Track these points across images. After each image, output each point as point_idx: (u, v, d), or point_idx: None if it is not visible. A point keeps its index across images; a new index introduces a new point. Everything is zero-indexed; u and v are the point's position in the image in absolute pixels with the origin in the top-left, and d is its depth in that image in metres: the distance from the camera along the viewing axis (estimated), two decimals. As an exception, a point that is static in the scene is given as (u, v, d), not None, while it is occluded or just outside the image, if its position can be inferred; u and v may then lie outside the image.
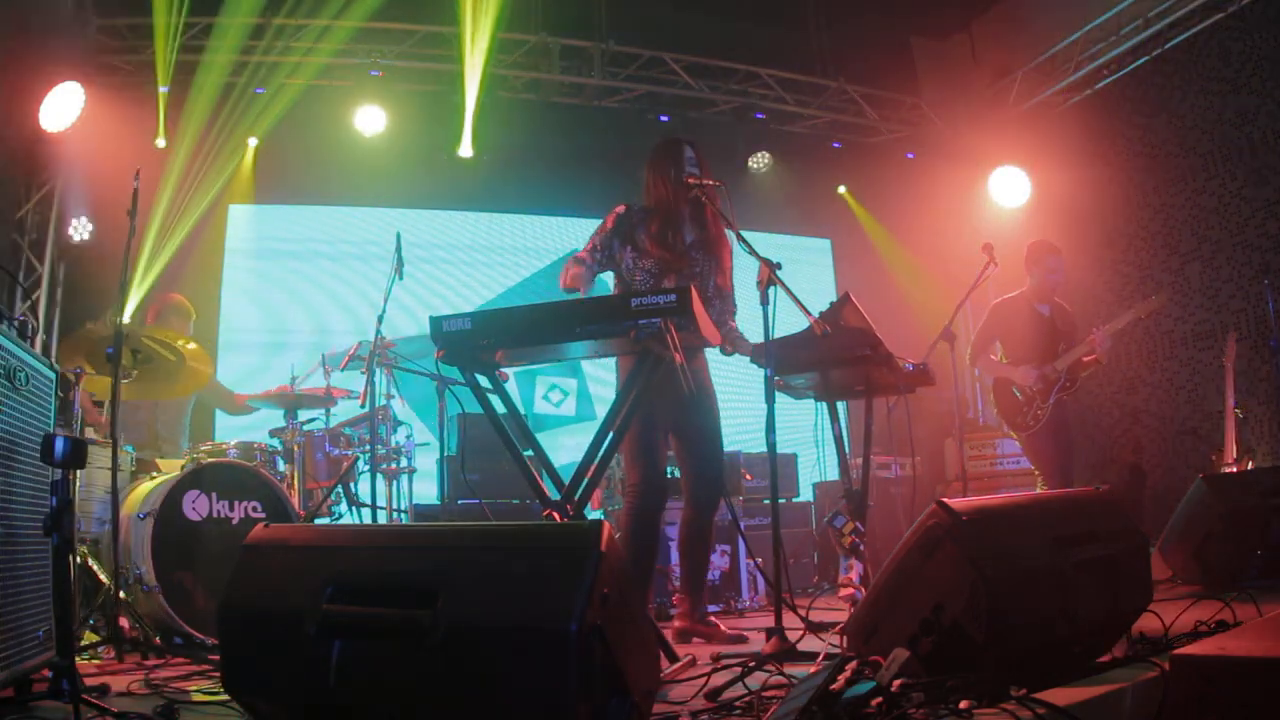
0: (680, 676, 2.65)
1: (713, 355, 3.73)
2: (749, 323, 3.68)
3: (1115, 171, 7.00)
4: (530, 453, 3.01)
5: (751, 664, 2.54)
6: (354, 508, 4.91)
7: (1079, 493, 2.84)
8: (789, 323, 3.36)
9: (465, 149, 6.95)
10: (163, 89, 6.16)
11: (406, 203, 7.31)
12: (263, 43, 6.40)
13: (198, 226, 6.37)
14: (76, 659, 2.31)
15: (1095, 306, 6.55)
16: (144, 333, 4.08)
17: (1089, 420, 6.94)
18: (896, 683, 1.93)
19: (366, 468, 4.76)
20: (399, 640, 1.71)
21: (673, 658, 2.88)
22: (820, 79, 7.72)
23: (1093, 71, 7.11)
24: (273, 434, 4.84)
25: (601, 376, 7.31)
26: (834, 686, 1.90)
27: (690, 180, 3.59)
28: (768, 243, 7.29)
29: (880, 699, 1.87)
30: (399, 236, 4.69)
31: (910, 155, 8.21)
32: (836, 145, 8.20)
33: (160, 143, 6.20)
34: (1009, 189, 7.49)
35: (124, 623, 3.33)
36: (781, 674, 2.43)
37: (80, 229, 6.13)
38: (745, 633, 3.74)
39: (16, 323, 2.74)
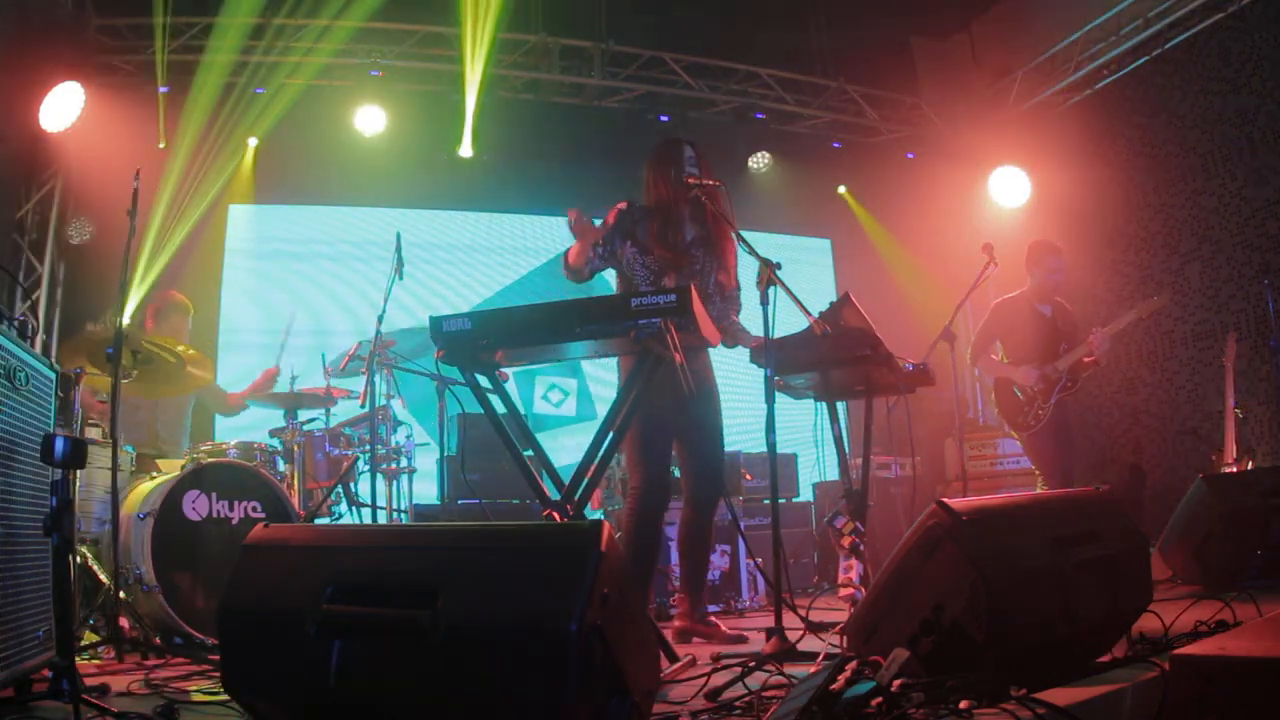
0: (680, 676, 2.65)
1: (715, 351, 3.73)
2: (749, 323, 3.68)
3: (1115, 171, 7.00)
4: (530, 453, 3.01)
5: (751, 664, 2.54)
6: (354, 508, 4.91)
7: (1079, 493, 2.83)
8: (789, 323, 3.36)
9: (465, 149, 6.95)
10: (162, 89, 6.16)
11: (406, 203, 7.31)
12: (263, 43, 6.39)
13: (198, 226, 6.37)
14: (76, 659, 2.31)
15: (1095, 306, 6.55)
16: (144, 338, 4.09)
17: (1089, 420, 6.94)
18: (896, 683, 1.93)
19: (366, 468, 4.76)
20: (399, 640, 1.71)
21: (673, 658, 2.88)
22: (820, 79, 7.72)
23: (1093, 71, 7.11)
24: (273, 434, 4.84)
25: (601, 376, 7.31)
26: (834, 686, 1.90)
27: (690, 180, 3.60)
28: (768, 243, 7.30)
29: (880, 699, 1.87)
30: (399, 236, 4.69)
31: (910, 155, 8.21)
32: (836, 145, 8.20)
33: (160, 145, 6.20)
34: (1009, 189, 7.49)
35: (124, 623, 3.34)
36: (781, 674, 2.43)
37: (80, 229, 6.13)
38: (745, 633, 3.73)
39: (16, 323, 2.73)
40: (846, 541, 3.59)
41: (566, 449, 6.61)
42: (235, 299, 6.80)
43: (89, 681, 2.41)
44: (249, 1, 6.16)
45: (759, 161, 7.87)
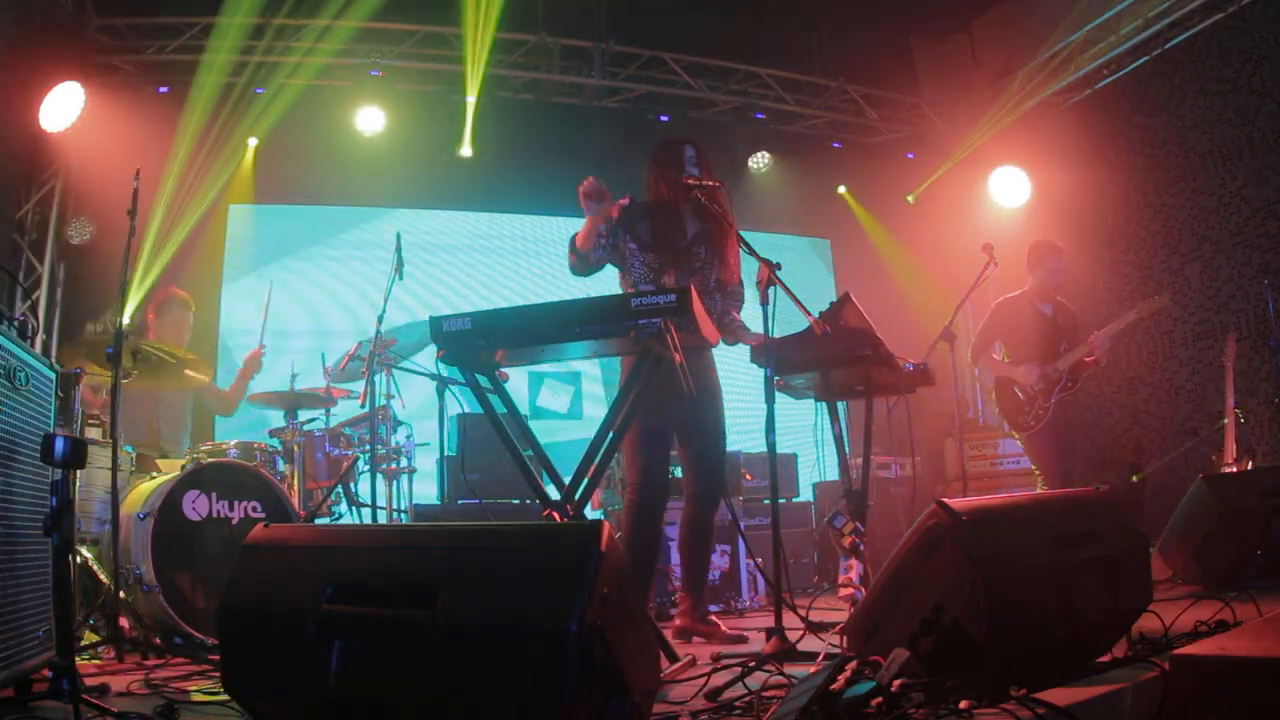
0: (680, 676, 2.65)
1: (715, 350, 3.73)
2: (749, 322, 3.69)
3: (1115, 171, 6.99)
4: (530, 452, 3.01)
5: (751, 664, 2.54)
6: (354, 508, 4.92)
7: (1079, 493, 2.83)
8: (789, 323, 3.36)
9: (465, 149, 6.95)
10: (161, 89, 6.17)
11: (406, 203, 7.32)
12: (263, 43, 6.40)
13: (198, 226, 6.37)
14: (76, 659, 2.31)
15: (1095, 306, 6.55)
16: (144, 341, 4.09)
17: (1089, 420, 6.93)
18: (896, 683, 1.93)
19: (366, 468, 4.76)
20: (399, 640, 1.70)
21: (673, 658, 2.88)
22: (820, 79, 7.72)
23: (1093, 71, 7.10)
24: (273, 434, 4.84)
25: (601, 376, 7.30)
26: (834, 686, 1.90)
27: (690, 180, 3.60)
28: (768, 243, 7.27)
29: (880, 699, 1.87)
30: (399, 236, 4.69)
31: (910, 155, 8.21)
32: (836, 145, 8.20)
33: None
34: (1009, 189, 7.49)
35: (124, 623, 3.34)
36: (781, 674, 2.43)
37: (80, 229, 6.13)
38: (745, 633, 3.73)
39: (16, 323, 2.74)
40: (847, 541, 3.59)
41: (566, 449, 6.60)
42: (235, 299, 6.80)
43: (89, 681, 2.41)
44: (249, 1, 6.16)
45: (759, 161, 7.87)
